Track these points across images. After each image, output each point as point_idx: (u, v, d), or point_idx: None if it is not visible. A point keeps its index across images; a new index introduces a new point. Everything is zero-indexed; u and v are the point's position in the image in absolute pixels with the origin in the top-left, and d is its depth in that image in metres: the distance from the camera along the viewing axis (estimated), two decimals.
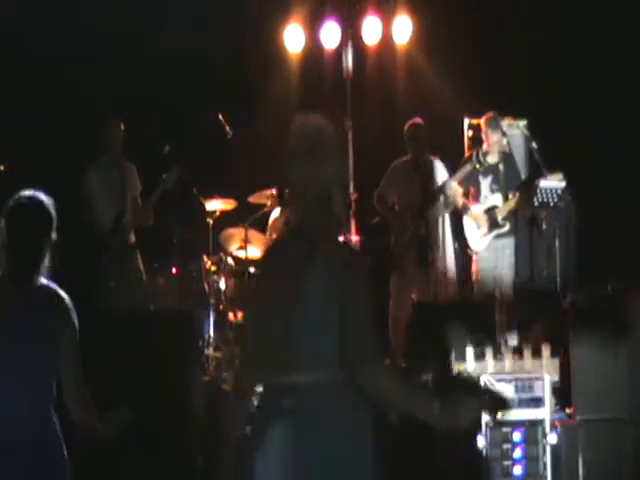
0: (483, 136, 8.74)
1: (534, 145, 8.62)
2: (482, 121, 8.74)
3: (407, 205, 8.94)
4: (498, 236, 8.66)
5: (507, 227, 8.67)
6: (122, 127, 8.57)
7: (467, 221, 8.79)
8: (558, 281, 8.67)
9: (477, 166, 8.60)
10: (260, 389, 3.37)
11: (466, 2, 9.87)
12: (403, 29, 9.73)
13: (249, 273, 8.58)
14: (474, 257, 8.71)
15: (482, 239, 8.68)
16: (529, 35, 9.57)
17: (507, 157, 8.74)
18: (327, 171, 3.38)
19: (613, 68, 9.25)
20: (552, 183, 8.42)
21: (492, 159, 8.71)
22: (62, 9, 9.03)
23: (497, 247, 8.66)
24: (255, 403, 3.38)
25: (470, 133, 9.44)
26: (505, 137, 8.67)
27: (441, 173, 8.99)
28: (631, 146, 9.18)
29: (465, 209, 8.76)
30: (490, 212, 8.67)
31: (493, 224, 8.66)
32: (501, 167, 8.69)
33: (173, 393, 6.99)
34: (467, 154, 8.98)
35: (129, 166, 8.66)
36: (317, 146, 3.38)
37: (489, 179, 8.72)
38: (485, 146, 8.71)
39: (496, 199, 8.71)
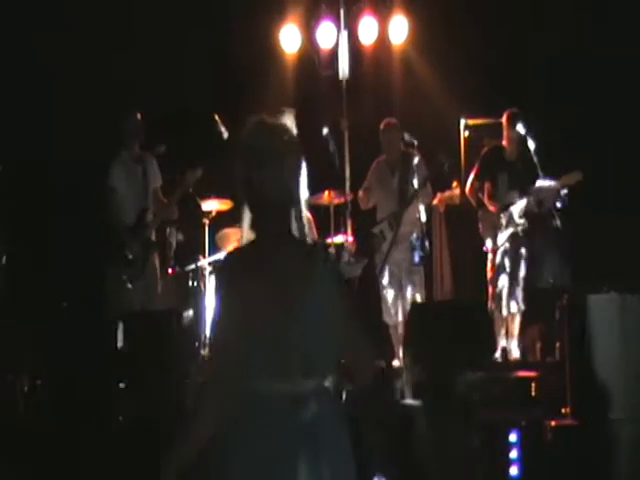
0: (504, 132, 8.68)
1: (531, 145, 8.59)
2: (504, 118, 8.67)
3: (385, 212, 8.97)
4: (515, 234, 8.59)
5: (523, 225, 8.56)
6: (140, 118, 8.45)
7: (483, 218, 8.70)
8: (554, 281, 8.67)
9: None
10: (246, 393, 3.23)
11: (462, 2, 9.86)
12: (399, 29, 9.71)
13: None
14: (490, 255, 8.62)
15: (499, 236, 8.57)
16: (526, 34, 9.58)
17: (526, 154, 8.64)
18: (294, 172, 3.32)
19: (614, 68, 9.26)
20: (548, 183, 8.41)
21: (511, 156, 8.66)
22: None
23: (513, 246, 8.56)
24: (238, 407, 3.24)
25: (466, 133, 9.41)
26: (524, 134, 8.55)
27: (420, 170, 8.95)
28: (629, 146, 9.19)
29: (481, 206, 8.68)
30: (507, 209, 8.59)
31: (510, 222, 8.59)
32: (519, 164, 8.62)
33: (168, 393, 7.00)
34: (485, 150, 8.89)
35: (150, 159, 8.51)
36: (283, 145, 3.31)
37: (507, 176, 8.65)
38: (504, 142, 8.67)
39: (513, 196, 8.64)
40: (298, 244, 3.36)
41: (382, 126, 9.04)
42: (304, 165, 3.39)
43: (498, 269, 8.50)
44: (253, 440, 3.18)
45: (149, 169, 8.48)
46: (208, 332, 8.42)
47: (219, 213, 9.09)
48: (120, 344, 7.42)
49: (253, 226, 3.41)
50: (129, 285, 8.20)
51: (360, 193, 9.13)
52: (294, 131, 3.37)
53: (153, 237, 8.47)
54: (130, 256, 8.24)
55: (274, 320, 3.23)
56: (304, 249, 3.36)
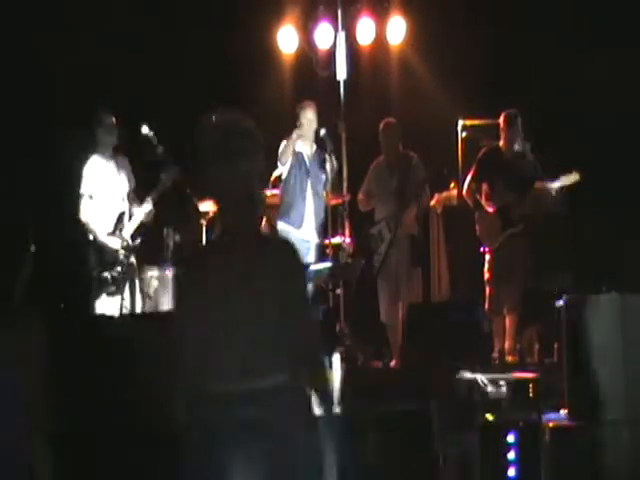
0: (501, 133, 8.66)
1: (528, 147, 8.59)
2: (501, 118, 8.65)
3: (383, 213, 8.95)
4: (512, 235, 8.55)
5: (521, 227, 8.53)
6: (114, 122, 8.46)
7: (481, 219, 8.67)
8: (552, 281, 8.66)
9: None
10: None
11: (460, 3, 9.86)
12: (397, 30, 9.71)
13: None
14: (487, 256, 8.59)
15: (496, 238, 8.54)
16: (524, 35, 9.57)
17: (523, 155, 8.62)
18: (246, 168, 3.29)
19: (613, 68, 9.25)
20: (546, 184, 8.41)
21: (508, 157, 8.64)
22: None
23: (510, 247, 8.54)
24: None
25: (464, 134, 9.39)
26: (522, 135, 8.53)
27: (418, 171, 8.94)
28: (629, 146, 9.18)
29: (478, 207, 8.66)
30: (504, 211, 8.56)
31: (507, 223, 8.55)
32: (517, 165, 8.58)
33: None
34: (482, 151, 8.87)
35: (123, 161, 8.54)
36: (235, 142, 3.27)
37: (504, 177, 8.61)
38: (502, 143, 8.65)
39: (510, 197, 8.60)
40: (259, 241, 3.31)
41: (381, 126, 9.04)
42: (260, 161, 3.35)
43: (495, 270, 8.48)
44: (198, 442, 3.19)
45: (123, 171, 8.48)
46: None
47: (216, 214, 9.03)
48: (114, 348, 7.39)
49: (218, 222, 3.42)
50: (110, 288, 8.20)
51: (360, 196, 9.12)
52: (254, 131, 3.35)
53: (130, 240, 8.45)
54: (109, 261, 8.24)
55: (217, 320, 3.20)
56: (266, 246, 3.31)
